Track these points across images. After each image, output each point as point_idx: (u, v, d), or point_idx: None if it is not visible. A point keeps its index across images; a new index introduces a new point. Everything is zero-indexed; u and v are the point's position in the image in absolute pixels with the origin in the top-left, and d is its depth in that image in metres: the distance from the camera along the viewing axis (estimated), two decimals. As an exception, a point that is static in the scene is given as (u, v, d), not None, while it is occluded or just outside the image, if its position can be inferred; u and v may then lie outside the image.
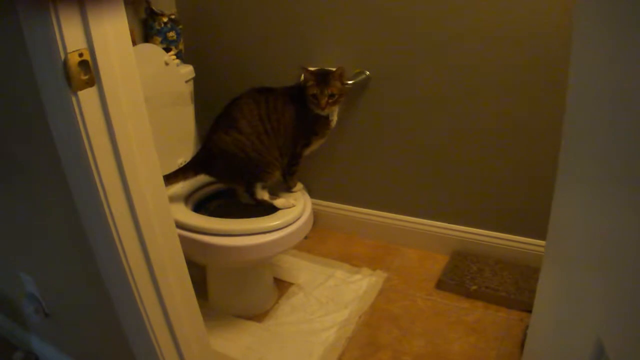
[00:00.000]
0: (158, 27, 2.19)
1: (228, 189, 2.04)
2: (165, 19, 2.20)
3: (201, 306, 1.41)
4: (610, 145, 0.64)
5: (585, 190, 0.75)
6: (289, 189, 1.97)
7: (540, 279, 1.03)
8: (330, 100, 1.84)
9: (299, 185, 1.99)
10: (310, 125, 1.89)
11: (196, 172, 1.91)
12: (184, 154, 2.12)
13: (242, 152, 1.80)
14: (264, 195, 1.87)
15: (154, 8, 2.17)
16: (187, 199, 1.95)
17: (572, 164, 0.83)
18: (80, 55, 0.92)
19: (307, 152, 1.96)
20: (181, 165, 2.05)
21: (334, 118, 1.94)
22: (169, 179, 1.84)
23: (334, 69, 1.87)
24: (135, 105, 1.07)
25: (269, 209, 1.84)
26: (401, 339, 1.88)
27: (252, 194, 1.87)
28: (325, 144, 2.04)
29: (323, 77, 1.85)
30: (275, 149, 1.84)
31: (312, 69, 1.90)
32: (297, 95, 1.89)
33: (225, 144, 1.82)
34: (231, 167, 1.85)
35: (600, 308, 0.66)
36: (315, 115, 1.88)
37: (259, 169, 1.84)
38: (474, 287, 2.03)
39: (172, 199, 1.89)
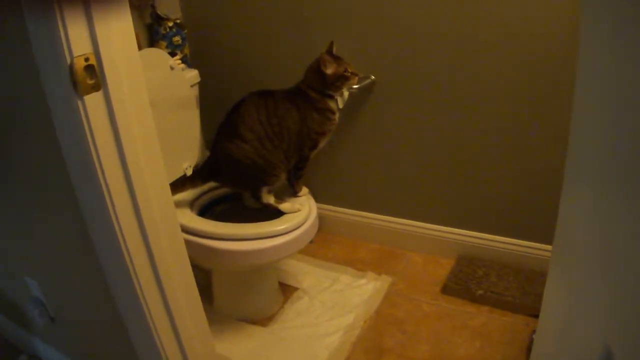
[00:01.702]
0: (163, 32, 2.19)
1: (233, 193, 2.04)
2: (170, 24, 2.20)
3: (206, 310, 1.41)
4: (618, 148, 0.64)
5: (593, 194, 0.74)
6: (294, 194, 1.97)
7: (547, 283, 1.03)
8: None
9: (305, 190, 1.99)
10: (315, 125, 1.88)
11: (204, 180, 1.92)
12: (189, 159, 2.12)
13: (247, 158, 1.80)
14: (269, 199, 1.87)
15: (159, 13, 2.18)
16: (192, 203, 1.95)
17: (579, 167, 0.82)
18: (86, 59, 0.93)
19: (314, 153, 1.96)
20: (186, 170, 2.06)
21: (337, 115, 1.94)
22: (177, 187, 1.85)
23: (338, 55, 1.90)
24: (141, 110, 1.07)
25: (275, 214, 1.84)
26: (406, 343, 1.87)
27: (258, 198, 1.87)
28: (331, 149, 2.03)
29: (339, 58, 1.88)
30: (280, 152, 1.84)
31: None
32: (298, 97, 1.88)
33: (229, 152, 1.82)
34: (238, 173, 1.85)
35: (608, 312, 0.66)
36: (319, 114, 1.87)
37: (264, 173, 1.84)
38: (480, 292, 2.02)
39: (178, 203, 1.89)
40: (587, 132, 0.78)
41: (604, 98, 0.69)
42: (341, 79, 1.87)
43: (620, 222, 0.62)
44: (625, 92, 0.60)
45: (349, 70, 1.87)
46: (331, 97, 1.90)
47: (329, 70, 1.84)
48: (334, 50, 1.91)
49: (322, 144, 1.95)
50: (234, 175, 1.88)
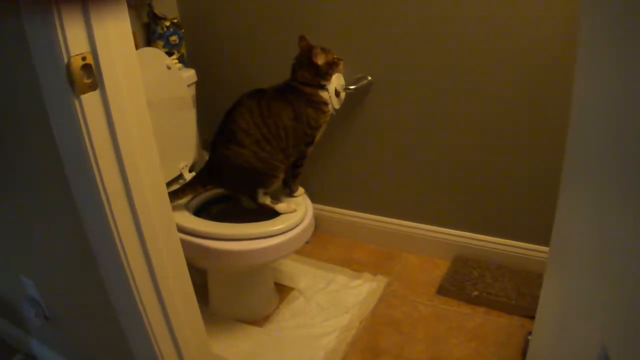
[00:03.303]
0: (160, 31, 2.19)
1: (229, 193, 2.04)
2: (167, 23, 2.20)
3: (202, 310, 1.41)
4: (615, 151, 0.64)
5: (591, 194, 0.74)
6: (290, 194, 1.97)
7: (544, 285, 1.03)
8: None
9: (301, 190, 1.99)
10: (311, 120, 1.88)
11: (204, 186, 1.93)
12: (186, 158, 2.12)
13: (247, 163, 1.80)
14: (265, 199, 1.86)
15: (156, 12, 2.18)
16: (187, 202, 1.95)
17: (577, 168, 0.82)
18: (83, 59, 0.93)
19: (311, 149, 1.97)
20: (182, 169, 2.07)
21: (330, 106, 1.94)
22: (178, 194, 1.86)
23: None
24: (137, 109, 1.07)
25: (271, 214, 1.83)
26: (402, 344, 1.87)
27: (255, 199, 1.86)
28: (327, 150, 2.03)
29: (324, 47, 1.90)
30: (279, 152, 1.84)
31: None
32: (291, 94, 1.87)
33: (227, 159, 1.82)
34: (238, 178, 1.85)
35: (605, 315, 0.66)
36: (314, 109, 1.88)
37: (265, 176, 1.83)
38: (475, 293, 2.02)
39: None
40: (585, 133, 0.78)
41: (602, 98, 0.69)
42: (332, 66, 1.89)
43: (619, 223, 0.62)
44: (625, 92, 0.60)
45: (335, 56, 1.90)
46: (323, 87, 1.91)
47: (320, 61, 1.86)
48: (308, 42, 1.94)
49: (318, 137, 1.96)
50: (233, 180, 1.88)
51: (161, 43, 2.21)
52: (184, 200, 1.90)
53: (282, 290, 2.18)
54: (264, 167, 1.82)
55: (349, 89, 2.07)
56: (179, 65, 2.23)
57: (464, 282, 2.09)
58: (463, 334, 1.90)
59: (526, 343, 1.77)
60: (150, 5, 2.17)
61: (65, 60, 0.91)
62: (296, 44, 1.93)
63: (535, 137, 1.92)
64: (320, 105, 1.89)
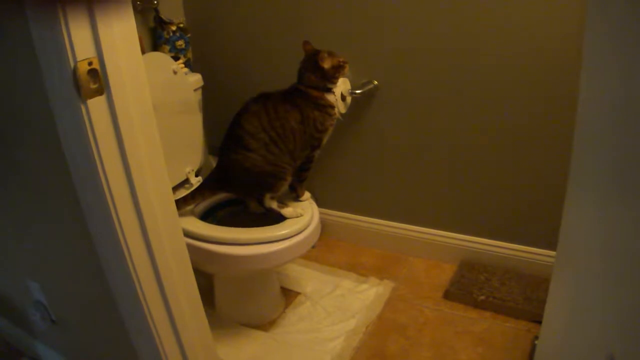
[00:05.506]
0: (167, 36, 2.20)
1: (235, 197, 2.04)
2: (173, 28, 2.21)
3: (208, 315, 1.41)
4: (621, 155, 0.64)
5: (596, 200, 0.74)
6: (297, 198, 1.97)
7: (551, 289, 1.02)
8: None
9: (307, 195, 1.99)
10: (317, 124, 1.88)
11: (212, 192, 1.93)
12: (192, 163, 2.12)
13: (255, 166, 1.80)
14: (272, 204, 1.86)
15: (162, 17, 2.18)
16: (194, 207, 1.95)
17: (582, 174, 0.82)
18: (90, 64, 0.93)
19: (318, 152, 1.97)
20: (189, 174, 2.07)
21: (336, 109, 1.94)
22: (187, 201, 1.86)
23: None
24: (144, 114, 1.07)
25: (277, 218, 1.83)
26: (408, 349, 1.86)
27: (262, 202, 1.87)
28: (333, 154, 2.03)
29: (330, 51, 1.90)
30: (286, 154, 1.84)
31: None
32: (298, 98, 1.88)
33: (236, 163, 1.82)
34: (246, 181, 1.85)
35: (612, 320, 0.66)
36: (320, 112, 1.88)
37: (274, 178, 1.83)
38: (482, 297, 2.01)
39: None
40: (591, 137, 0.78)
41: (608, 106, 0.69)
42: (338, 69, 1.90)
43: (624, 228, 0.62)
44: (629, 95, 0.60)
45: (341, 59, 1.91)
46: (330, 90, 1.91)
47: (327, 65, 1.87)
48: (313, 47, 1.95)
49: (325, 141, 1.96)
50: (241, 184, 1.88)
51: (167, 48, 2.22)
52: (191, 206, 1.90)
53: (288, 295, 2.18)
54: (272, 169, 1.82)
55: (355, 93, 2.07)
56: (185, 69, 2.23)
57: (471, 286, 2.08)
58: (469, 338, 1.89)
59: (533, 347, 1.76)
60: (156, 10, 2.18)
61: (72, 65, 0.91)
62: (301, 49, 1.94)
63: (542, 141, 1.91)
64: (326, 108, 1.89)
